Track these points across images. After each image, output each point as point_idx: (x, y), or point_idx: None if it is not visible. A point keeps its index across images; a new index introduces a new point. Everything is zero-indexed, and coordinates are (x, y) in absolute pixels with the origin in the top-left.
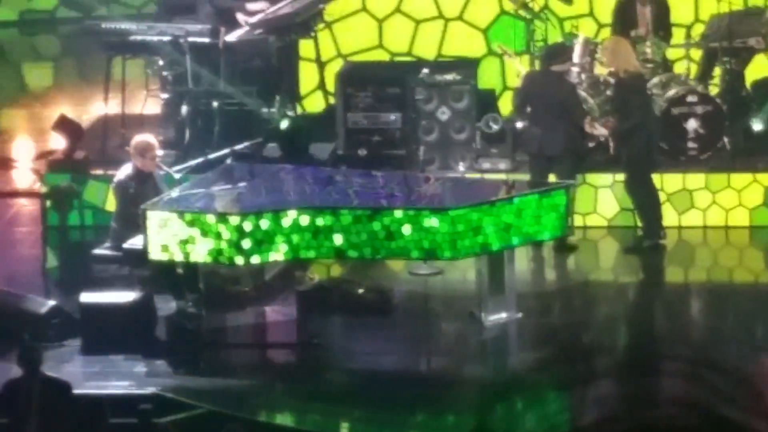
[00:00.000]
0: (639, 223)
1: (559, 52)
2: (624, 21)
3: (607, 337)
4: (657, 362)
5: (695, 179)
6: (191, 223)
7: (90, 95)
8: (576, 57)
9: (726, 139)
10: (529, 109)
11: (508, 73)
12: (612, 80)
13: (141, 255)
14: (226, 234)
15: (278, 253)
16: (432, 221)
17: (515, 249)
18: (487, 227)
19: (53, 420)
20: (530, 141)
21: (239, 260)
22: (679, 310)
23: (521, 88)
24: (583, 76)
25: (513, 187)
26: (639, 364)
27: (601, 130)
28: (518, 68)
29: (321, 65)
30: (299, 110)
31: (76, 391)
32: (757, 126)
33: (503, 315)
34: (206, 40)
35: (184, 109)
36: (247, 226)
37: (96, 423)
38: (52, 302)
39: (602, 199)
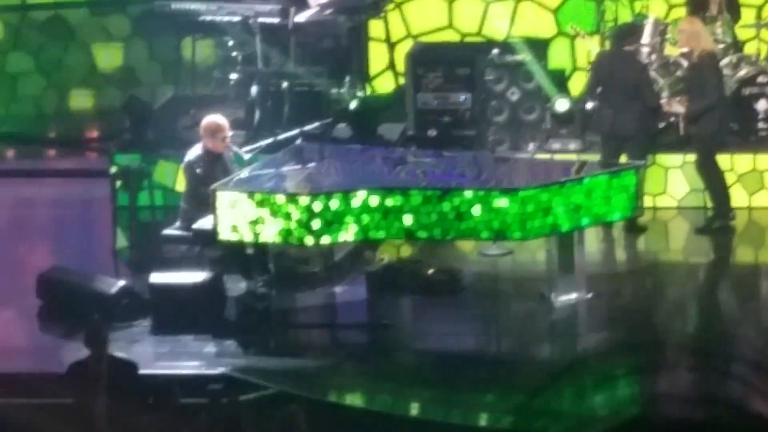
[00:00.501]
0: (709, 204)
1: (630, 32)
2: (696, 2)
3: (677, 320)
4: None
5: (766, 160)
6: (261, 204)
7: (160, 76)
8: (646, 37)
9: None
10: (600, 90)
11: (578, 54)
12: (683, 61)
13: (211, 235)
14: (295, 214)
15: (348, 234)
16: (502, 201)
17: (585, 229)
18: (557, 208)
19: (121, 400)
20: (602, 121)
21: (309, 240)
22: (748, 292)
23: (592, 68)
24: (653, 57)
25: (583, 167)
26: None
27: (678, 108)
28: (590, 50)
29: (391, 46)
30: (369, 91)
31: (144, 372)
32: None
33: (573, 295)
34: (276, 20)
35: (254, 89)
36: (317, 206)
37: (166, 403)
38: (121, 282)
39: (672, 179)
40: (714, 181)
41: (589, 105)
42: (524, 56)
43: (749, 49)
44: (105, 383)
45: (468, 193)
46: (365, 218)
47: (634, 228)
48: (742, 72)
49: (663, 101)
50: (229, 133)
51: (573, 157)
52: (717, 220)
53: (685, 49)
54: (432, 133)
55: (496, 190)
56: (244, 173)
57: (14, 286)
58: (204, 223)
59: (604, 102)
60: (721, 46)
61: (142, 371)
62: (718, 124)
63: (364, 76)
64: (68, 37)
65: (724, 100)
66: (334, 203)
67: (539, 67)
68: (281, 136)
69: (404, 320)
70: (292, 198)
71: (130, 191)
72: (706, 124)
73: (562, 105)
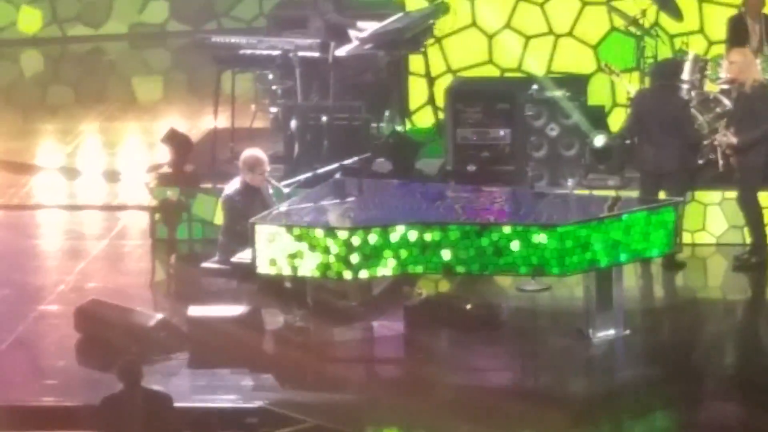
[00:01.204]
0: (748, 240)
1: (671, 69)
2: (736, 37)
3: (715, 357)
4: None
5: None
6: (299, 238)
7: (199, 109)
8: (686, 74)
9: None
10: (640, 126)
11: (617, 90)
12: (723, 98)
13: (249, 269)
14: (334, 248)
15: (386, 268)
16: (540, 237)
17: (623, 266)
18: (596, 243)
19: None
20: (642, 158)
21: (347, 275)
22: None
23: (633, 105)
24: (693, 93)
25: (621, 203)
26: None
27: (732, 139)
28: (626, 86)
29: (430, 80)
30: (408, 125)
31: (181, 405)
32: None
33: (611, 332)
34: (316, 54)
35: (293, 123)
36: (356, 240)
37: None
38: (160, 315)
39: (711, 216)
40: (755, 215)
41: (628, 141)
42: (564, 92)
43: None
44: (139, 416)
45: (506, 229)
46: (404, 253)
47: (672, 264)
48: None
49: (716, 134)
50: (268, 167)
51: (612, 193)
52: (754, 256)
53: (725, 85)
54: (471, 168)
55: (534, 225)
56: (283, 207)
57: (52, 320)
58: (243, 256)
59: (644, 138)
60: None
61: (178, 404)
62: (765, 157)
63: (403, 111)
64: (108, 69)
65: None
66: (373, 237)
67: (579, 103)
68: (320, 170)
69: (442, 354)
70: (330, 232)
71: (169, 224)
72: (755, 156)
73: (600, 141)
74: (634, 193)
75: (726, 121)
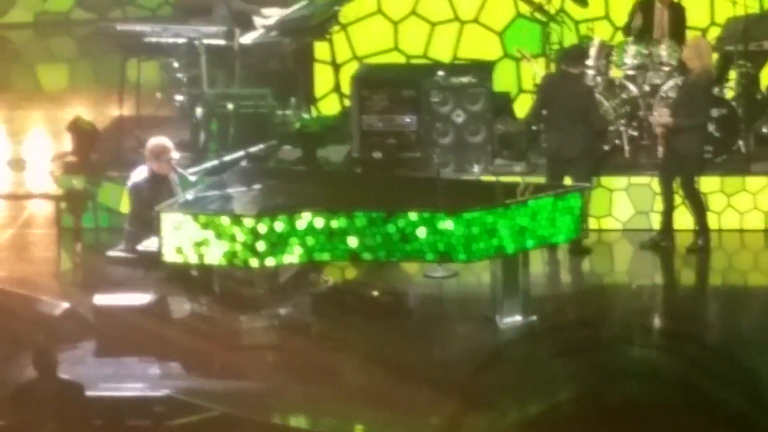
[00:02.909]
0: (655, 226)
1: (577, 55)
2: (641, 24)
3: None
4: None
5: (710, 182)
6: (206, 226)
7: (105, 97)
8: (591, 60)
9: (741, 143)
10: (546, 112)
11: (523, 76)
12: (629, 83)
13: (155, 257)
14: (240, 236)
15: (293, 256)
16: (447, 224)
17: (530, 251)
18: (502, 230)
19: (67, 422)
20: (547, 143)
21: (254, 262)
22: (691, 313)
23: (539, 91)
24: (599, 79)
25: (528, 189)
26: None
27: (666, 119)
28: (537, 72)
29: (336, 68)
30: (314, 113)
31: (90, 393)
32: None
33: (518, 318)
34: (221, 42)
35: (199, 111)
36: (262, 228)
37: (111, 425)
38: (66, 304)
39: (617, 201)
40: (698, 201)
41: (534, 127)
42: (470, 79)
43: None
44: (53, 406)
45: (413, 215)
46: (310, 240)
47: (578, 250)
48: None
49: (621, 119)
50: (174, 155)
51: (518, 179)
52: (700, 239)
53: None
54: (377, 155)
55: (441, 211)
56: (189, 195)
57: None
58: (149, 244)
59: (550, 124)
60: (666, 68)
61: (89, 393)
62: (700, 145)
63: (309, 98)
64: (13, 58)
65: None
66: (279, 225)
67: (485, 90)
68: (226, 158)
69: (349, 343)
70: (237, 220)
71: (74, 213)
72: (691, 143)
73: (506, 127)
74: (541, 179)
75: (667, 101)
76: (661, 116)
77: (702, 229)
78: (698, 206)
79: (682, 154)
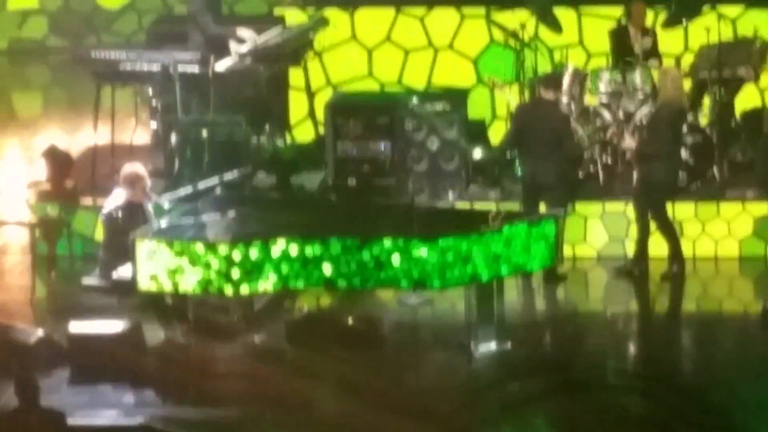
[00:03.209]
0: (629, 253)
1: (551, 82)
2: (621, 48)
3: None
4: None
5: (685, 209)
6: (180, 253)
7: (79, 124)
8: (565, 86)
9: (715, 169)
10: (520, 139)
11: (498, 103)
12: (603, 111)
13: (130, 285)
14: (215, 263)
15: (267, 283)
16: (421, 251)
17: (504, 278)
18: (477, 257)
19: None
20: (522, 170)
21: (228, 290)
22: (665, 341)
23: (514, 118)
24: (573, 106)
25: (502, 216)
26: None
27: (630, 143)
28: (509, 100)
29: (311, 94)
30: (289, 139)
31: (72, 422)
32: None
33: (493, 345)
34: (195, 68)
35: (174, 138)
36: (236, 255)
37: None
38: (40, 332)
39: (592, 228)
40: (669, 228)
41: (508, 154)
42: (444, 105)
43: None
44: None
45: (387, 242)
46: (285, 267)
47: (553, 277)
48: None
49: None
50: (149, 182)
51: (492, 206)
52: (674, 265)
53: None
54: (351, 181)
55: (415, 238)
56: (164, 222)
57: None
58: (123, 272)
59: (525, 151)
60: (640, 95)
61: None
62: (665, 174)
63: (284, 125)
64: None
65: (677, 153)
66: (254, 252)
67: (459, 117)
68: (201, 185)
69: (323, 370)
70: (211, 247)
71: (49, 240)
72: (656, 171)
73: (481, 154)
74: (515, 206)
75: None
76: (625, 142)
77: (676, 256)
78: (670, 233)
79: (651, 181)
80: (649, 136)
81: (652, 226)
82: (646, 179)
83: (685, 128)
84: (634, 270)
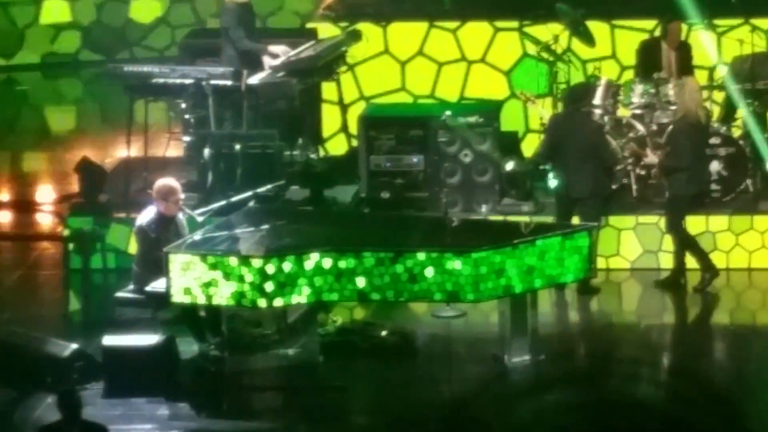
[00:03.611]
0: (662, 265)
1: (583, 93)
2: (648, 63)
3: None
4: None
5: (718, 221)
6: (214, 266)
7: (112, 138)
8: (598, 99)
9: (749, 181)
10: (555, 151)
11: (530, 115)
12: (636, 122)
13: (163, 298)
14: (248, 277)
15: (301, 296)
16: (455, 264)
17: (538, 291)
18: (510, 269)
19: None
20: (556, 182)
21: (262, 303)
22: (700, 353)
23: (548, 130)
24: (606, 118)
25: (535, 229)
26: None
27: (652, 158)
28: (541, 113)
29: (344, 108)
30: (322, 153)
31: None
32: None
33: (526, 357)
34: (228, 82)
35: (207, 152)
36: (270, 268)
37: None
38: (74, 345)
39: (625, 241)
40: (688, 240)
41: (542, 166)
42: (477, 118)
43: None
44: None
45: (421, 255)
46: (318, 280)
47: (586, 290)
48: None
49: (629, 159)
50: (182, 196)
51: (526, 218)
52: (707, 276)
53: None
54: (385, 195)
55: (449, 251)
56: (197, 236)
57: None
58: (157, 285)
59: (559, 163)
60: (673, 108)
61: None
62: (685, 188)
63: (316, 138)
64: (21, 100)
65: (702, 168)
66: (287, 265)
67: (492, 129)
68: (234, 199)
69: (357, 382)
70: (245, 260)
71: (82, 254)
72: (676, 185)
73: (514, 167)
74: (548, 219)
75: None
76: (648, 156)
77: (704, 266)
78: (687, 244)
79: (669, 194)
80: (670, 150)
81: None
82: (670, 192)
83: (718, 140)
84: (675, 282)
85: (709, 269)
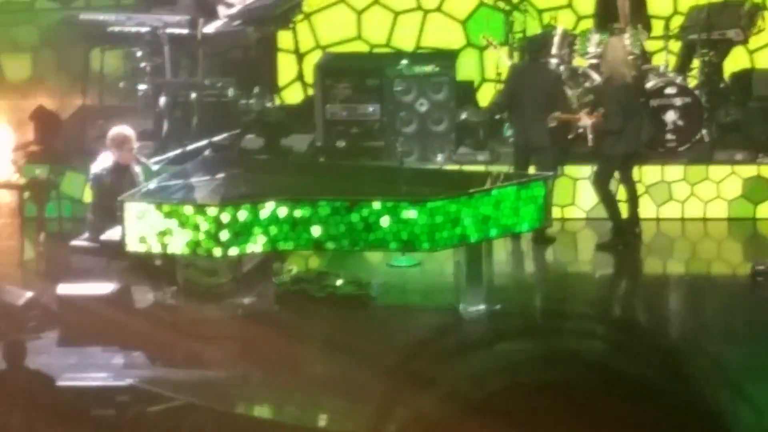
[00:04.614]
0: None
1: (544, 44)
2: (604, 12)
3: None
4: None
5: (674, 171)
6: (169, 215)
7: (68, 86)
8: (554, 49)
9: (704, 131)
10: (513, 100)
11: (487, 65)
12: (591, 72)
13: (118, 246)
14: (204, 225)
15: (256, 245)
16: (410, 213)
17: (493, 240)
18: (466, 219)
19: (36, 413)
20: (514, 132)
21: (217, 252)
22: (653, 302)
23: (507, 80)
24: (562, 68)
25: (494, 178)
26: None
27: (584, 120)
28: (504, 59)
29: (300, 57)
30: (278, 102)
31: (59, 384)
32: None
33: (482, 307)
34: (185, 31)
35: (162, 100)
36: (225, 217)
37: (77, 415)
38: (29, 294)
39: (581, 190)
40: (606, 200)
41: (498, 116)
42: (433, 68)
43: (657, 60)
44: (22, 396)
45: (376, 204)
46: (273, 229)
47: (542, 239)
48: (650, 83)
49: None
50: (137, 144)
51: (481, 168)
52: (615, 239)
53: (594, 60)
54: (341, 144)
55: (404, 200)
56: (152, 184)
57: None
58: (112, 234)
59: (517, 114)
60: (630, 57)
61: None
62: (612, 149)
63: (273, 87)
64: None
65: (634, 127)
66: (243, 214)
67: (448, 79)
68: (189, 147)
69: (312, 332)
70: (200, 209)
71: (38, 202)
72: (606, 145)
73: (470, 116)
74: (503, 168)
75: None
76: (581, 117)
77: (615, 229)
78: (607, 204)
79: (601, 153)
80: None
81: (641, 187)
82: (602, 151)
83: (674, 90)
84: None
85: (618, 235)
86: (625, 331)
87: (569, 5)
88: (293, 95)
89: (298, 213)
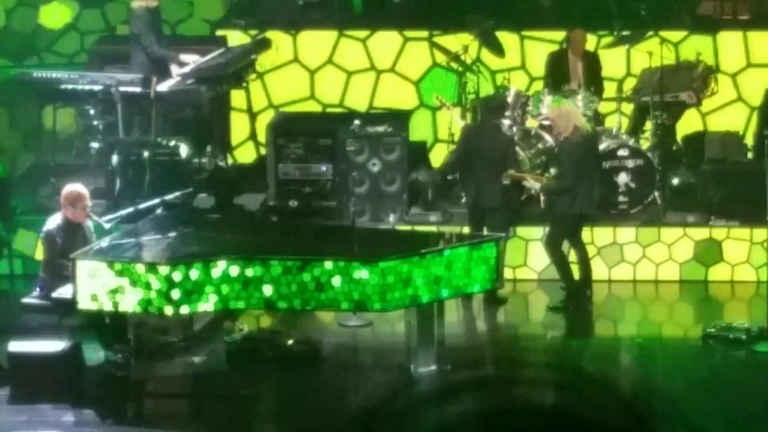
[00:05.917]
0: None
1: (500, 105)
2: (556, 75)
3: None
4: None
5: (626, 233)
6: (121, 273)
7: (21, 144)
8: (507, 109)
9: (656, 193)
10: (466, 161)
11: (440, 125)
12: (544, 133)
13: (70, 304)
14: (155, 284)
15: (208, 304)
16: (362, 273)
17: (445, 301)
18: (417, 279)
19: None
20: (466, 193)
21: (168, 310)
22: (605, 363)
23: (460, 140)
24: (515, 129)
25: (446, 239)
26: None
27: (532, 183)
28: (456, 120)
29: (252, 116)
30: (230, 161)
31: None
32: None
33: (433, 367)
34: (137, 89)
35: (115, 158)
36: (177, 276)
37: None
38: None
39: (533, 251)
40: (558, 261)
41: (450, 177)
42: (386, 128)
43: (610, 122)
44: None
45: (328, 264)
46: (225, 288)
47: (494, 300)
48: (603, 145)
49: (537, 170)
50: (90, 202)
51: (433, 228)
52: (567, 302)
53: (546, 122)
54: (293, 203)
55: (356, 260)
56: (105, 242)
57: None
58: (63, 291)
59: (468, 174)
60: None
61: None
62: (569, 209)
63: (225, 146)
64: None
65: (588, 187)
66: (194, 273)
67: (400, 139)
68: (142, 206)
69: (263, 391)
70: (151, 267)
71: None
72: (560, 205)
73: (420, 176)
74: (456, 229)
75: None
76: (528, 181)
77: (569, 290)
78: (559, 266)
79: (555, 212)
80: (556, 173)
81: (592, 249)
82: (556, 210)
83: (626, 152)
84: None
85: (570, 296)
86: (589, 387)
87: (522, 66)
88: (246, 154)
89: (249, 272)
